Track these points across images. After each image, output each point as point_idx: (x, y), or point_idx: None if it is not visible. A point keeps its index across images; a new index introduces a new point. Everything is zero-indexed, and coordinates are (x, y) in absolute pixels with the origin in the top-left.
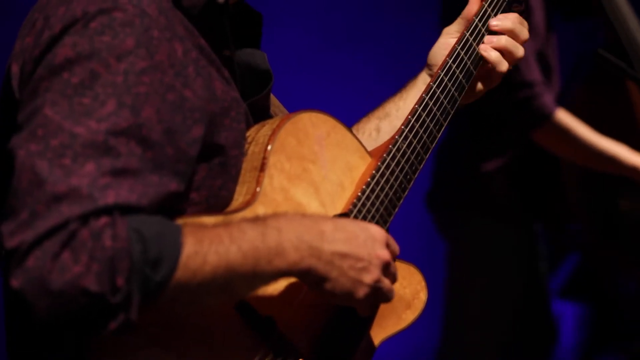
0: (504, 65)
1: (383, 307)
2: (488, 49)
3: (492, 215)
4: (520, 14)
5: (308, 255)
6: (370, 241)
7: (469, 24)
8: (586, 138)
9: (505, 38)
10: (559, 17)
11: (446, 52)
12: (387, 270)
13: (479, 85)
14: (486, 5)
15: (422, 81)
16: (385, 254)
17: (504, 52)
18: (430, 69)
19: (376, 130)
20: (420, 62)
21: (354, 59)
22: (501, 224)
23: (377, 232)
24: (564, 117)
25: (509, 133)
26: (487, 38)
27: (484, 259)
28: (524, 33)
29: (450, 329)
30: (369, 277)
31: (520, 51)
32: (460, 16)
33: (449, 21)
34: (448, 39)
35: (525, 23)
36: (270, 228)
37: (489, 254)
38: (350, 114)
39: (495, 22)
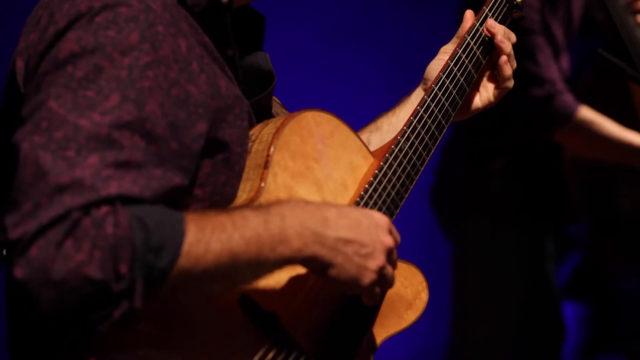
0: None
1: (385, 307)
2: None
3: (495, 215)
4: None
5: (312, 241)
6: (374, 227)
7: (470, 28)
8: (612, 133)
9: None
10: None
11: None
12: (391, 257)
13: (477, 102)
14: (487, 10)
15: (416, 96)
16: (389, 240)
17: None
18: (426, 85)
19: (367, 143)
20: (422, 61)
21: (356, 57)
22: (504, 223)
23: (380, 218)
24: (587, 113)
25: (513, 132)
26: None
27: (489, 258)
28: (509, 45)
29: (458, 328)
30: (374, 263)
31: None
32: (456, 35)
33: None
34: (445, 57)
35: (513, 36)
36: (273, 215)
37: (494, 253)
38: (352, 113)
39: (492, 22)
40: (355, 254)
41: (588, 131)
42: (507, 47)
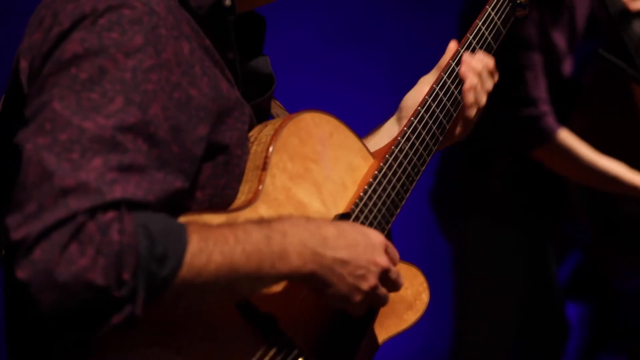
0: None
1: (385, 308)
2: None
3: (495, 216)
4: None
5: (311, 261)
6: (370, 248)
7: (473, 27)
8: (587, 158)
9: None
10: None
11: (420, 100)
12: (385, 277)
13: (459, 129)
14: (489, 9)
15: (391, 124)
16: (383, 261)
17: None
18: (400, 114)
19: None
20: (423, 62)
21: (357, 58)
22: (505, 224)
23: (376, 238)
24: (565, 136)
25: (503, 141)
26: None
27: (489, 258)
28: (489, 82)
29: (459, 328)
30: (366, 284)
31: (483, 99)
32: (436, 66)
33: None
34: (423, 87)
35: (496, 76)
36: (275, 231)
37: (494, 253)
38: (354, 114)
39: (467, 57)
40: (349, 275)
41: (564, 155)
42: (472, 96)
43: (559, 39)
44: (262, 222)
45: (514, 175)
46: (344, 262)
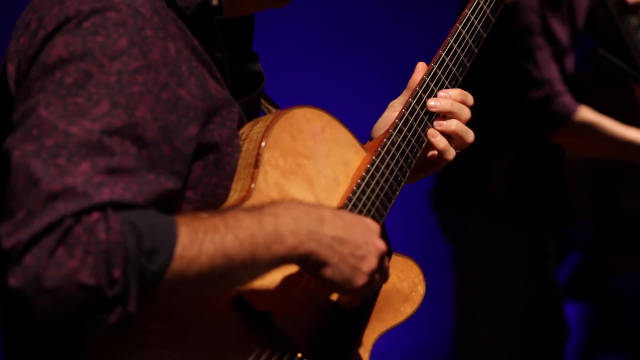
0: (451, 154)
1: (381, 301)
2: (436, 135)
3: (495, 216)
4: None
5: (307, 239)
6: (367, 230)
7: (462, 17)
8: (613, 132)
9: (455, 123)
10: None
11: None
12: (382, 261)
13: (429, 167)
14: None
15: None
16: (382, 245)
17: (453, 136)
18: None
19: None
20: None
21: (355, 59)
22: (505, 224)
23: (372, 223)
24: (586, 114)
25: (512, 133)
26: (436, 122)
27: (489, 258)
28: (465, 112)
29: (460, 328)
30: (367, 266)
31: (470, 136)
32: (406, 87)
33: None
34: (392, 112)
35: (470, 99)
36: (266, 215)
37: (494, 253)
38: (352, 115)
39: (433, 102)
40: (350, 255)
41: (588, 132)
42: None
43: (560, 31)
44: (253, 208)
45: (514, 175)
46: (343, 241)
